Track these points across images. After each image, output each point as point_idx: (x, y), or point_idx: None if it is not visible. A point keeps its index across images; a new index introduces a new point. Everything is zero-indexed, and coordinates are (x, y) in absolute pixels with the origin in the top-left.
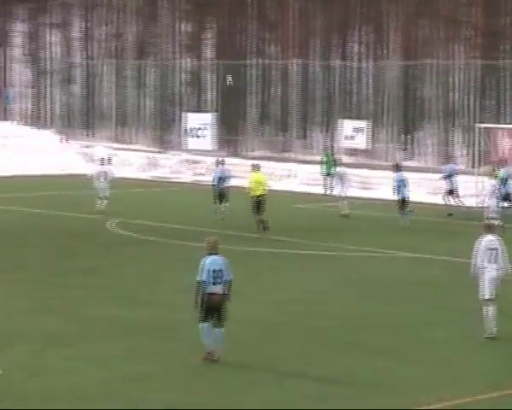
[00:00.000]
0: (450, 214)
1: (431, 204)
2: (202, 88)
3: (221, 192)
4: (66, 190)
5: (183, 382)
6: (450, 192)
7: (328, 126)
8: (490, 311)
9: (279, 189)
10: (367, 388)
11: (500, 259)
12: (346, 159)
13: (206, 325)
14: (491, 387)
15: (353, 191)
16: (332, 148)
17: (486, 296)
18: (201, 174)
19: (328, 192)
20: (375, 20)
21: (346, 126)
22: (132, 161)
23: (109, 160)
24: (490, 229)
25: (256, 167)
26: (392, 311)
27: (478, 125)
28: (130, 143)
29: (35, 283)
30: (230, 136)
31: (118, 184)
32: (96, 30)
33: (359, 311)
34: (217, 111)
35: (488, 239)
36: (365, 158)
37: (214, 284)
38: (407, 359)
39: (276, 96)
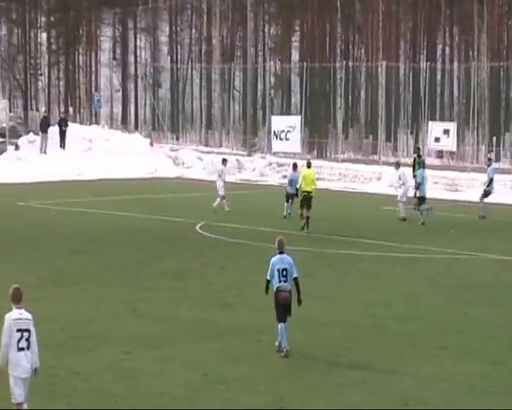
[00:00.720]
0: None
1: None
2: (289, 91)
3: (290, 194)
4: (154, 193)
5: (270, 384)
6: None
7: (416, 129)
8: None
9: (367, 191)
10: (460, 391)
11: None
12: (433, 161)
13: (281, 325)
14: None
15: (440, 193)
16: (418, 149)
17: None
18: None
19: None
20: (462, 22)
21: (434, 128)
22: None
23: (224, 161)
24: None
25: (308, 164)
26: (478, 313)
27: None
28: (217, 146)
29: (122, 285)
30: (317, 138)
31: (205, 187)
32: (182, 34)
33: (446, 313)
34: (303, 114)
35: None
36: (452, 160)
37: (280, 281)
38: (498, 362)
39: (363, 99)
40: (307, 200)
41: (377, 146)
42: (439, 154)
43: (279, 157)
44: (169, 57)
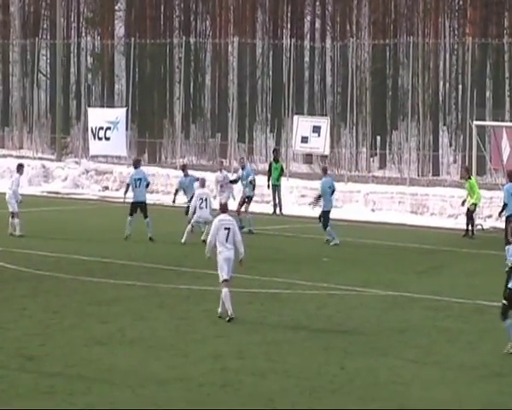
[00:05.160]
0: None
1: None
2: (111, 75)
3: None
4: None
5: None
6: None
7: (278, 125)
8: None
9: None
10: None
11: None
12: (299, 167)
13: None
14: None
15: (309, 209)
16: (276, 152)
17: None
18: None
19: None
20: None
21: (301, 125)
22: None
23: (19, 168)
24: None
25: None
26: (359, 366)
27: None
28: (16, 147)
29: None
30: (148, 138)
31: (1, 201)
32: None
33: (318, 367)
34: (130, 105)
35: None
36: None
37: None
38: None
39: (209, 87)
40: None
41: (227, 148)
42: (308, 158)
43: (99, 162)
44: None
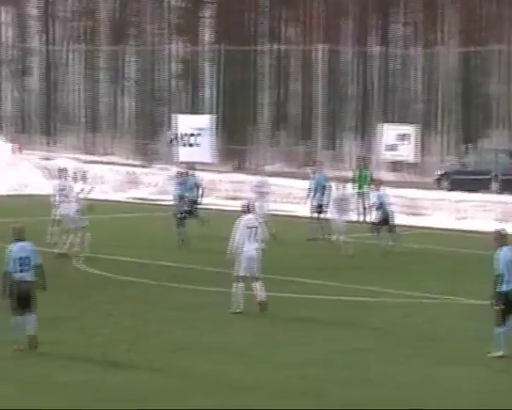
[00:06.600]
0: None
1: None
2: (199, 82)
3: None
4: (20, 216)
5: None
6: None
7: (365, 133)
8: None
9: (302, 214)
10: None
11: None
12: (386, 175)
13: (19, 318)
14: None
15: (396, 217)
16: (363, 160)
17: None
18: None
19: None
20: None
21: (388, 133)
22: (107, 178)
23: (83, 175)
24: None
25: None
26: (449, 375)
27: None
28: (104, 153)
29: None
30: (235, 145)
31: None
32: (58, 6)
33: (404, 375)
34: (221, 112)
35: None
36: (415, 174)
37: (22, 271)
38: None
39: (297, 93)
40: None
41: (314, 155)
42: (395, 166)
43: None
44: (40, 36)
